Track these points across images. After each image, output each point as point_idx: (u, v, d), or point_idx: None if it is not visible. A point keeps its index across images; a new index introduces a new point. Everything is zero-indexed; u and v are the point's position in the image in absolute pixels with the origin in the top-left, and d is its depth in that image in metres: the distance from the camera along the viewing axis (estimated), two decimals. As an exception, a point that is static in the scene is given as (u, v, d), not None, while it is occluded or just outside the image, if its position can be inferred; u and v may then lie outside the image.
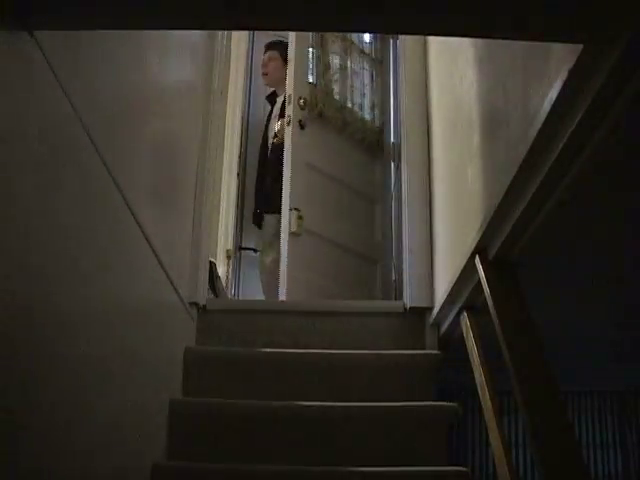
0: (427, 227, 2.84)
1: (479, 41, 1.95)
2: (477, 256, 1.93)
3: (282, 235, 3.38)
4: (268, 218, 3.83)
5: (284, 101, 3.71)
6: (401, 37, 3.34)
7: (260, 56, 4.59)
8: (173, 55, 2.29)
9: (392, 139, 3.80)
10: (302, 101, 3.54)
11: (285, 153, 3.46)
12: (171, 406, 2.26)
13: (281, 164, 3.48)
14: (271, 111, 4.04)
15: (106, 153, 1.50)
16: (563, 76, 1.23)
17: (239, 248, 4.43)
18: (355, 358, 2.54)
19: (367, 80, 3.97)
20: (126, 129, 1.72)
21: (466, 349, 2.15)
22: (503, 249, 1.81)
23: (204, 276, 2.81)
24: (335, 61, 3.83)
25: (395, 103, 3.76)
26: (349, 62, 3.90)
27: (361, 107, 3.88)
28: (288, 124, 3.48)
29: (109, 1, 1.11)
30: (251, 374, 2.49)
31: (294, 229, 3.34)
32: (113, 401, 1.63)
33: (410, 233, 2.87)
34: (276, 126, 3.84)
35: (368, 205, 3.83)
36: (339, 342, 2.69)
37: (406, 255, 2.89)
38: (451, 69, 2.49)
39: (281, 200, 3.43)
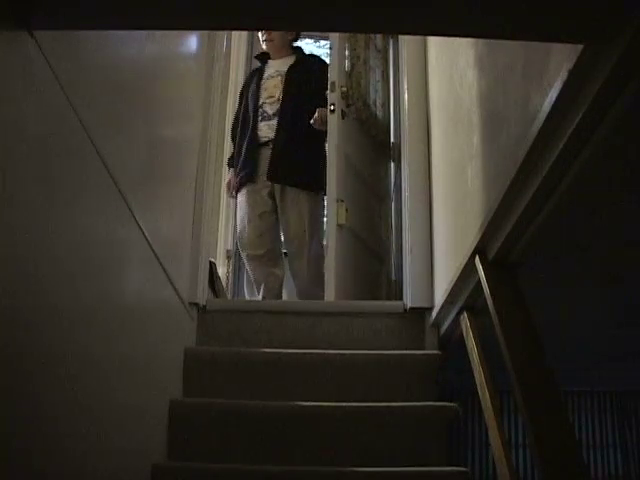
0: (427, 227, 2.84)
1: (479, 41, 1.95)
2: (477, 256, 1.93)
3: (327, 227, 3.32)
4: (246, 190, 3.55)
5: (301, 68, 3.61)
6: (401, 36, 3.34)
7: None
8: (174, 56, 2.29)
9: (392, 139, 3.79)
10: (344, 89, 3.48)
11: (329, 142, 3.39)
12: (171, 406, 2.26)
13: (314, 147, 3.49)
14: (262, 69, 3.75)
15: (106, 153, 1.50)
16: (563, 76, 1.23)
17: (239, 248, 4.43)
18: (355, 358, 2.54)
19: (379, 77, 3.94)
20: (126, 129, 1.72)
21: (466, 349, 2.15)
22: (503, 249, 1.81)
23: (204, 276, 2.81)
24: (361, 53, 3.77)
25: (395, 102, 3.75)
26: (370, 56, 3.85)
27: (375, 103, 3.84)
28: (332, 112, 3.41)
29: (109, 1, 1.11)
30: (251, 374, 2.49)
31: (341, 221, 3.26)
32: (113, 401, 1.63)
33: (410, 233, 2.87)
34: (274, 90, 3.60)
35: (378, 204, 3.81)
36: (339, 342, 2.69)
37: (406, 255, 2.89)
38: (451, 69, 2.49)
39: (287, 174, 3.43)
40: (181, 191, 2.50)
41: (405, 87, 3.11)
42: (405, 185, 2.98)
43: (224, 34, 3.23)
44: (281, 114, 3.51)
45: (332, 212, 3.26)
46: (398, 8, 1.10)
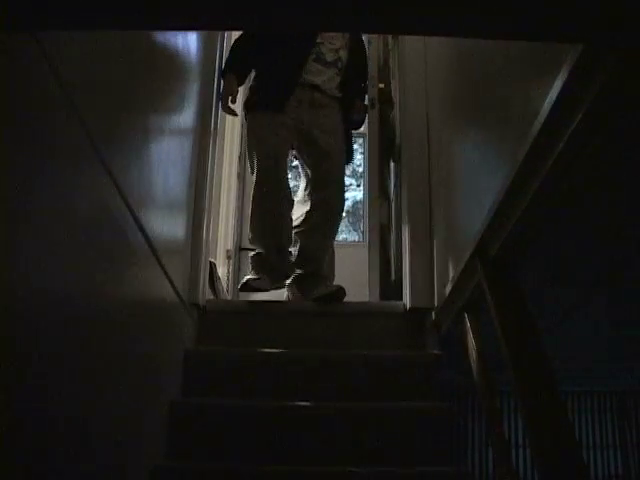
0: (427, 227, 2.84)
1: (480, 41, 1.95)
2: (477, 256, 1.94)
3: (369, 224, 3.30)
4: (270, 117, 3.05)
5: (336, 57, 3.18)
6: (401, 36, 3.34)
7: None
8: (174, 58, 2.28)
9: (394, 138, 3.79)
10: (381, 85, 3.43)
11: (370, 137, 3.34)
12: (171, 407, 2.26)
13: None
14: (309, 47, 3.13)
15: (106, 153, 1.50)
16: (563, 76, 1.24)
17: (239, 248, 4.44)
18: (355, 358, 2.54)
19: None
20: (128, 129, 1.72)
21: (466, 349, 2.15)
22: (503, 249, 1.81)
23: (204, 277, 2.81)
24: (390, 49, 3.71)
25: (396, 102, 3.75)
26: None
27: None
28: (372, 107, 3.33)
29: (110, 1, 1.11)
30: (251, 375, 2.49)
31: (384, 220, 3.22)
32: (113, 401, 1.63)
33: (410, 233, 2.87)
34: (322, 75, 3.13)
35: (386, 202, 3.80)
36: (339, 342, 2.69)
37: (406, 255, 2.89)
38: (451, 69, 2.49)
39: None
40: (181, 191, 2.50)
41: (405, 86, 3.11)
42: (405, 185, 2.98)
43: (224, 34, 3.22)
44: (347, 71, 3.19)
45: (374, 209, 3.21)
46: (397, 8, 1.10)
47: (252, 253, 3.09)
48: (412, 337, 2.75)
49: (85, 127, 1.38)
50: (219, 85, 3.08)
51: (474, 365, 2.08)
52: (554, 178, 1.45)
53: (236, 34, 3.77)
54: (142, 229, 1.82)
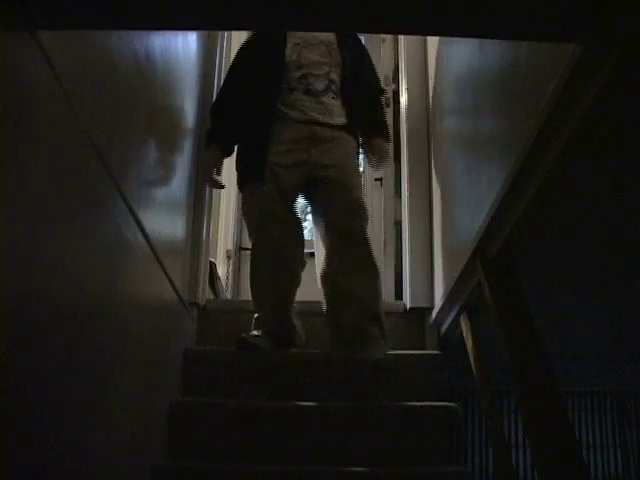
0: (427, 226, 2.84)
1: (481, 40, 1.95)
2: (477, 256, 1.94)
3: (384, 223, 3.25)
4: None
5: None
6: (400, 36, 3.34)
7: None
8: (175, 59, 2.28)
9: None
10: (394, 86, 3.42)
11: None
12: (171, 406, 2.26)
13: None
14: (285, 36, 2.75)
15: (106, 153, 1.50)
16: (563, 76, 1.24)
17: (239, 248, 4.44)
18: (355, 358, 2.54)
19: None
20: (128, 129, 1.72)
21: (466, 349, 2.15)
22: (503, 249, 1.81)
23: (204, 276, 2.81)
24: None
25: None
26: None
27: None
28: (387, 106, 3.31)
29: (110, 1, 1.11)
30: (251, 374, 2.49)
31: (399, 217, 3.20)
32: (112, 401, 1.63)
33: (410, 233, 2.87)
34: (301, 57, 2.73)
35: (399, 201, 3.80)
36: (339, 342, 2.69)
37: (406, 255, 2.89)
38: (450, 68, 2.49)
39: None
40: (181, 191, 2.50)
41: (405, 86, 3.10)
42: (405, 185, 2.98)
43: (224, 34, 3.22)
44: (344, 98, 2.76)
45: (391, 208, 3.21)
46: (397, 7, 1.10)
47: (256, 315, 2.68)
48: (412, 337, 2.75)
49: (83, 125, 1.38)
50: (219, 84, 3.07)
51: (474, 365, 2.08)
52: (553, 178, 1.45)
53: (236, 34, 3.78)
54: (142, 229, 1.82)
